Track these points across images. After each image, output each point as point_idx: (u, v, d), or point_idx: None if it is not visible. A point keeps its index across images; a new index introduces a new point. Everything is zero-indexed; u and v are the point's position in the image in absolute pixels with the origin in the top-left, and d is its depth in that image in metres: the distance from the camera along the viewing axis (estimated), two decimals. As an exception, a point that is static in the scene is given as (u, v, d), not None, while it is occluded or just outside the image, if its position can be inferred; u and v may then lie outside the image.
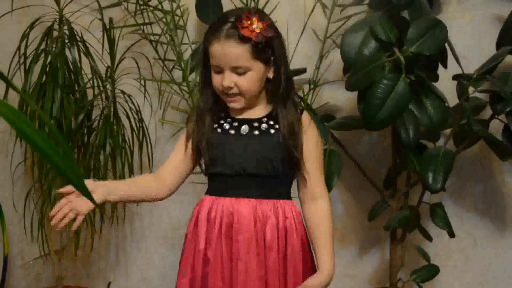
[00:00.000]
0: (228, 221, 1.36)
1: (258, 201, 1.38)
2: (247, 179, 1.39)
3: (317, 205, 1.41)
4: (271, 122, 1.40)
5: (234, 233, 1.36)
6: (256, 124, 1.40)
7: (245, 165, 1.38)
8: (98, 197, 1.27)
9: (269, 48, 1.36)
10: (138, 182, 1.45)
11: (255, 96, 1.41)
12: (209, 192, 1.44)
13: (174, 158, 1.45)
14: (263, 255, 1.36)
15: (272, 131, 1.39)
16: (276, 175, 1.40)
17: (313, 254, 1.43)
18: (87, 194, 0.70)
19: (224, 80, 1.35)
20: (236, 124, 1.41)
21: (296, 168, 1.41)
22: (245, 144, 1.38)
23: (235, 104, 1.39)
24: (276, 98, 1.40)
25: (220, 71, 1.36)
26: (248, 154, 1.38)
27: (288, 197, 1.44)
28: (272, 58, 1.37)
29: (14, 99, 2.04)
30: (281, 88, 1.39)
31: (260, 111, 1.43)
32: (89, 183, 1.29)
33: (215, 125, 1.41)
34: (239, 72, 1.35)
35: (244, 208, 1.37)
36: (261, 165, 1.38)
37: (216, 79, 1.37)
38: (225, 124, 1.41)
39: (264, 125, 1.40)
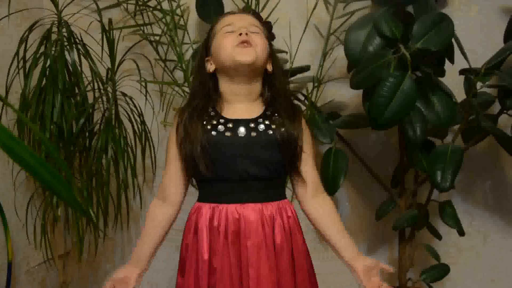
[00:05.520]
0: (234, 228, 1.31)
1: (263, 204, 1.33)
2: (250, 183, 1.33)
3: (324, 198, 1.41)
4: (267, 122, 1.35)
5: (242, 239, 1.30)
6: (252, 125, 1.34)
7: (247, 168, 1.31)
8: (136, 277, 1.41)
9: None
10: (154, 229, 1.41)
11: (256, 85, 1.38)
12: (204, 198, 1.37)
13: (173, 169, 1.39)
14: (274, 258, 1.31)
15: (270, 132, 1.33)
16: (277, 176, 1.37)
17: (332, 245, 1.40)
18: (81, 210, 0.68)
19: (241, 28, 1.35)
20: (230, 125, 1.33)
21: (294, 167, 1.38)
22: (244, 146, 1.32)
23: (247, 55, 1.33)
24: (274, 94, 1.38)
25: (232, 31, 1.36)
26: (250, 156, 1.31)
27: (285, 196, 1.41)
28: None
29: (15, 103, 2.01)
30: (279, 83, 1.39)
31: (254, 110, 1.37)
32: (125, 272, 1.41)
33: (208, 127, 1.33)
34: (251, 30, 1.37)
35: (250, 213, 1.31)
36: (263, 167, 1.33)
37: (228, 36, 1.36)
38: (219, 126, 1.33)
39: (261, 126, 1.34)
